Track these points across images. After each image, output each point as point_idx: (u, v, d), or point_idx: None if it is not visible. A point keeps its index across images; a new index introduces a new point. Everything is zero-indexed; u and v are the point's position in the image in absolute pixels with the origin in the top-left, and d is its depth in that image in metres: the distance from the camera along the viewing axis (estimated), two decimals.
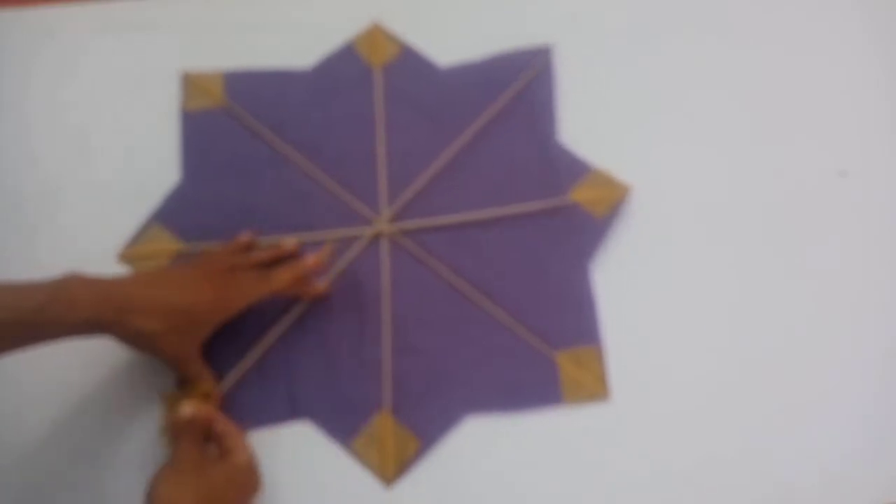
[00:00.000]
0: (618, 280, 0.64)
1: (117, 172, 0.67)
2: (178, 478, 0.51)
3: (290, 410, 0.60)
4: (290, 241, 0.62)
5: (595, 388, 0.61)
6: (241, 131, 0.68)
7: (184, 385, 0.59)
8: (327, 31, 0.72)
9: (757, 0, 0.73)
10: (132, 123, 0.69)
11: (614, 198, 0.66)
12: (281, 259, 0.61)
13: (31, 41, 0.71)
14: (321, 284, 0.62)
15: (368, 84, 0.70)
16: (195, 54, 0.71)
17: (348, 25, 0.73)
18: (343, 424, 0.60)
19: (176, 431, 0.53)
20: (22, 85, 0.70)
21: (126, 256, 0.63)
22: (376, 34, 0.72)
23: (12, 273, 0.61)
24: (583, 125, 0.69)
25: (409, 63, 0.72)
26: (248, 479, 0.54)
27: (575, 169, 0.67)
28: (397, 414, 0.60)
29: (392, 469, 0.59)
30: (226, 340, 0.60)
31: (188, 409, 0.53)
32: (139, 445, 0.59)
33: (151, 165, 0.67)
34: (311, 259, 0.60)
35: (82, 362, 0.60)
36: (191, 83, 0.69)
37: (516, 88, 0.70)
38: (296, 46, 0.72)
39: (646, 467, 0.59)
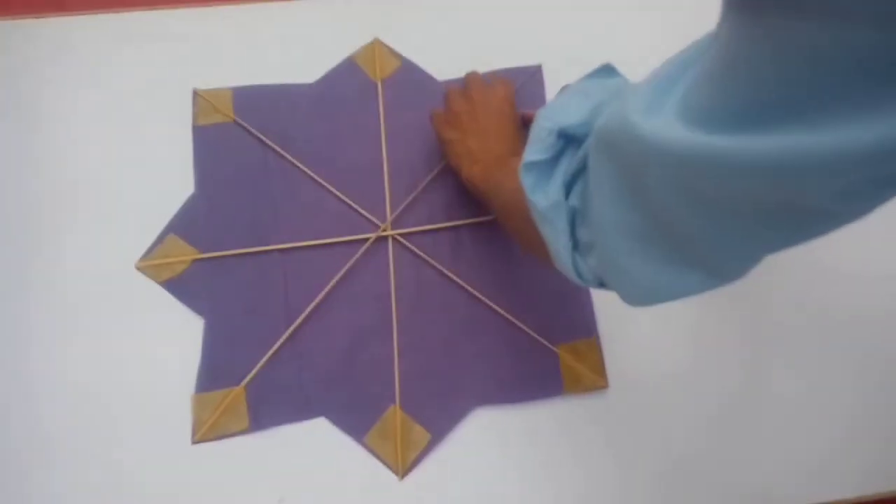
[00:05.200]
0: None
1: (134, 181, 0.69)
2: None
3: (306, 408, 0.63)
4: None
5: (594, 379, 0.65)
6: (251, 144, 0.71)
7: (210, 388, 0.62)
8: (325, 50, 0.75)
9: None
10: (148, 133, 0.71)
11: None
12: None
13: (49, 51, 0.73)
14: None
15: (371, 97, 0.74)
16: (209, 63, 0.73)
17: (346, 47, 0.76)
18: (356, 420, 0.63)
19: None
20: (38, 94, 0.71)
21: (144, 266, 0.66)
22: (378, 49, 0.75)
23: (31, 283, 0.65)
24: None
25: (409, 76, 0.75)
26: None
27: None
28: (408, 409, 0.63)
29: (405, 461, 0.62)
30: (239, 342, 0.64)
31: None
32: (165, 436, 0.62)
33: (168, 175, 0.69)
34: None
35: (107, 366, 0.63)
36: (201, 100, 0.72)
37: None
38: (296, 62, 0.75)
39: (638, 455, 0.64)
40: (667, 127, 0.32)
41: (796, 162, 0.26)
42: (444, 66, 0.76)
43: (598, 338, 0.67)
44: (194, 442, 0.61)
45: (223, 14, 0.76)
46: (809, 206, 0.30)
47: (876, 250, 0.70)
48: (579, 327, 0.67)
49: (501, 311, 0.67)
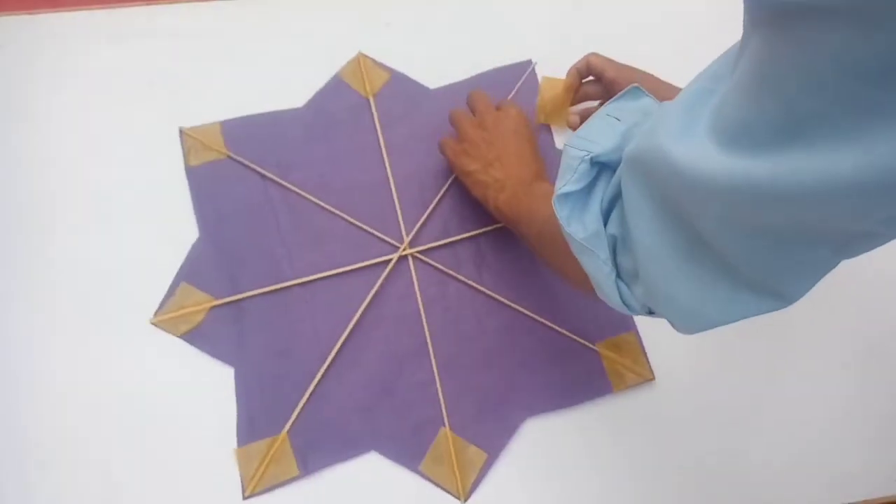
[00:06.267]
0: None
1: (126, 186, 0.66)
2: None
3: (354, 445, 0.61)
4: None
5: (640, 373, 0.64)
6: (250, 178, 0.68)
7: (252, 439, 0.59)
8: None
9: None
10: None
11: None
12: None
13: (42, 47, 0.70)
14: None
15: (364, 113, 0.71)
16: (200, 61, 0.71)
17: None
18: (408, 449, 0.61)
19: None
20: (28, 92, 0.69)
21: (159, 322, 0.62)
22: (363, 63, 0.73)
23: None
24: None
25: (400, 87, 0.73)
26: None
27: None
28: (459, 429, 0.62)
29: (465, 484, 0.60)
30: (274, 387, 0.62)
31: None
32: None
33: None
34: None
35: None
36: (189, 139, 0.68)
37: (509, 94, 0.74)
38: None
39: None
40: (700, 151, 0.31)
41: (835, 184, 0.26)
42: (433, 72, 0.74)
43: (637, 331, 0.66)
44: (245, 497, 0.58)
45: (214, 13, 0.74)
46: (852, 229, 0.29)
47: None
48: (616, 322, 0.66)
49: (535, 316, 0.66)
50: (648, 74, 0.63)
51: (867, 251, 0.32)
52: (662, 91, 0.61)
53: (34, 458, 0.58)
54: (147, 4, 0.73)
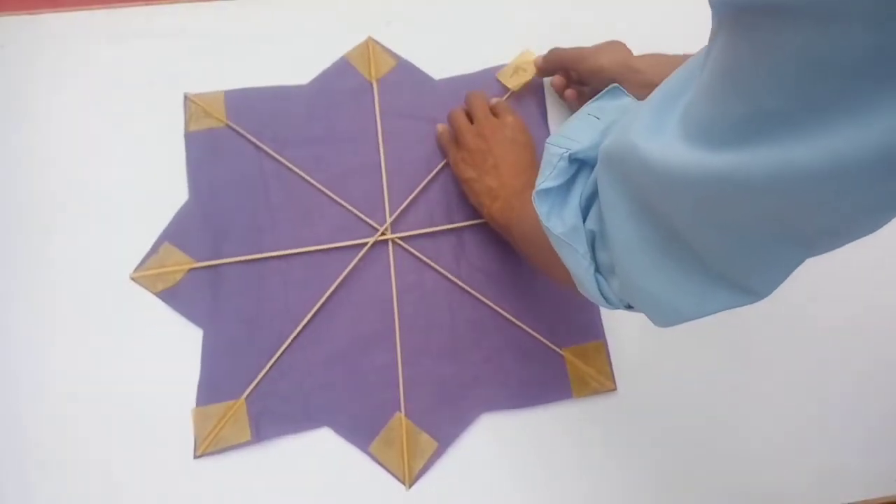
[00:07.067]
0: None
1: (126, 188, 0.67)
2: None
3: (309, 419, 0.62)
4: None
5: (602, 382, 0.64)
6: (245, 149, 0.69)
7: (211, 401, 0.61)
8: (317, 50, 0.73)
9: None
10: (140, 138, 0.69)
11: None
12: None
13: (43, 47, 0.71)
14: None
15: (367, 97, 0.72)
16: (200, 65, 0.71)
17: (339, 46, 0.74)
18: (361, 429, 0.62)
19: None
20: (32, 92, 0.69)
21: (139, 277, 0.64)
22: (372, 47, 0.74)
23: (18, 293, 0.63)
24: None
25: (405, 75, 0.73)
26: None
27: None
28: (414, 416, 0.62)
29: (412, 470, 0.61)
30: (239, 353, 0.63)
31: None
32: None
33: (161, 181, 0.67)
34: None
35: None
36: (192, 105, 0.70)
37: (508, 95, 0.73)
38: (289, 62, 0.73)
39: (647, 457, 0.63)
40: (668, 148, 0.32)
41: (798, 176, 0.26)
42: (439, 63, 0.74)
43: (605, 340, 0.66)
44: (196, 456, 0.60)
45: (215, 13, 0.74)
46: (817, 225, 0.30)
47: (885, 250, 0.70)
48: (586, 330, 0.66)
49: (506, 315, 0.66)
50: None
51: (833, 249, 0.32)
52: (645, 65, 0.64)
53: (34, 458, 0.59)
54: (147, 4, 0.73)
